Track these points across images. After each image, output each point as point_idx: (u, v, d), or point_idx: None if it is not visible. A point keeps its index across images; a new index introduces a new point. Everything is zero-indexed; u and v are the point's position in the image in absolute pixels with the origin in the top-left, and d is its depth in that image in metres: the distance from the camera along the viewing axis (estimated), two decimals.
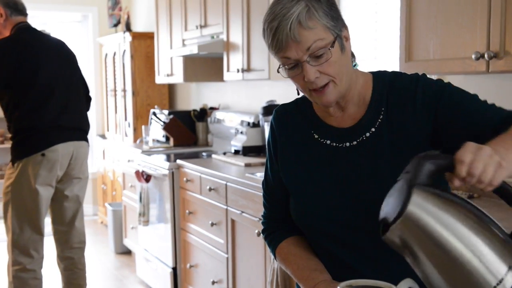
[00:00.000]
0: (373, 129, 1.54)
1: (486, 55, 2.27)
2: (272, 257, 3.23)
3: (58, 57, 3.70)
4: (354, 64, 1.55)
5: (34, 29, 3.73)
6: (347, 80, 1.50)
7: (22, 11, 3.70)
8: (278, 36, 1.42)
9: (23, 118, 3.52)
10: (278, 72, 1.54)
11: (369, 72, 1.63)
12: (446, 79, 3.01)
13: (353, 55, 1.58)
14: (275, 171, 1.69)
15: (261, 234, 1.78)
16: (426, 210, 1.12)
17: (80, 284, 3.82)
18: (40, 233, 3.63)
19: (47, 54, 3.63)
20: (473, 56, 2.31)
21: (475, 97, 1.54)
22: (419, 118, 1.51)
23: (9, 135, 3.76)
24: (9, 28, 3.64)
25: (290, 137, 1.65)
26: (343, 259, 1.58)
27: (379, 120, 1.54)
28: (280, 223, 1.72)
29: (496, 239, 1.11)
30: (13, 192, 3.55)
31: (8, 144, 5.37)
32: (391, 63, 3.29)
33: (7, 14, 3.62)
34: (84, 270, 3.86)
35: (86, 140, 3.77)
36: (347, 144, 1.56)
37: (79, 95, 3.76)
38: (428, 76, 1.57)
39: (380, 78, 1.59)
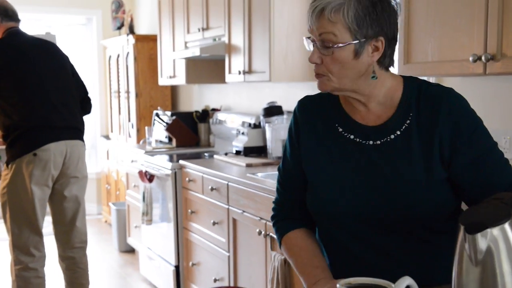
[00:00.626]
0: (398, 132, 1.54)
1: (483, 58, 2.27)
2: (273, 255, 3.24)
3: (48, 60, 3.70)
4: (372, 76, 1.51)
5: (24, 33, 3.75)
6: (348, 83, 1.50)
7: (12, 17, 3.70)
8: (311, 11, 1.47)
9: (12, 118, 3.52)
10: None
11: (400, 75, 1.62)
12: (444, 81, 3.03)
13: (386, 67, 1.56)
14: (295, 157, 1.68)
15: (271, 220, 1.78)
16: None
17: (82, 283, 3.81)
18: (38, 233, 3.62)
19: (36, 57, 3.64)
20: (470, 59, 2.31)
21: (494, 150, 1.54)
22: (442, 134, 1.51)
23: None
24: (1, 34, 3.66)
25: (313, 127, 1.65)
26: (352, 250, 1.60)
27: (406, 125, 1.54)
28: (291, 211, 1.72)
29: None
30: (9, 193, 3.56)
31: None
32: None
33: None
34: (86, 269, 3.84)
35: (81, 139, 3.76)
36: (371, 142, 1.56)
37: (72, 95, 3.75)
38: (453, 92, 1.57)
39: (410, 82, 1.59)
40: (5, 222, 3.63)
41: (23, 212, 3.57)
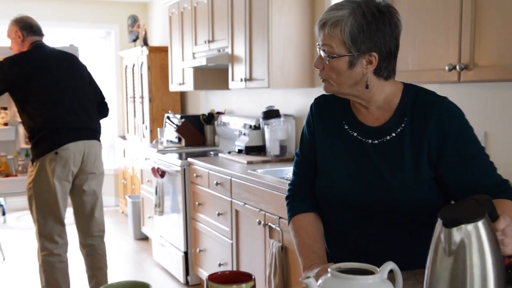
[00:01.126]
0: (393, 134, 1.55)
1: (457, 67, 2.27)
2: (271, 242, 3.24)
3: (68, 69, 3.72)
4: (366, 85, 1.51)
5: (46, 46, 3.76)
6: (346, 88, 1.53)
7: (36, 32, 3.72)
8: (317, 23, 1.51)
9: (36, 121, 3.54)
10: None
11: (402, 82, 1.62)
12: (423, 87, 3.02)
13: (385, 77, 1.54)
14: (310, 145, 1.70)
15: (286, 201, 1.78)
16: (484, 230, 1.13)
17: (100, 267, 3.83)
18: (61, 222, 3.64)
19: (57, 67, 3.66)
20: (446, 68, 2.31)
21: (479, 155, 1.54)
22: (431, 138, 1.51)
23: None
24: (26, 47, 3.69)
25: (325, 122, 1.67)
26: (347, 235, 1.62)
27: (401, 128, 1.54)
28: (304, 194, 1.72)
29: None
30: (35, 187, 3.57)
31: None
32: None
33: (24, 35, 3.67)
34: (104, 255, 3.86)
35: (97, 139, 3.77)
36: (370, 141, 1.58)
37: (89, 100, 3.76)
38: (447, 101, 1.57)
39: (409, 88, 1.59)
40: (32, 213, 3.64)
41: (47, 204, 3.58)
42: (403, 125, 1.54)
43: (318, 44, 1.53)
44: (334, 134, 1.64)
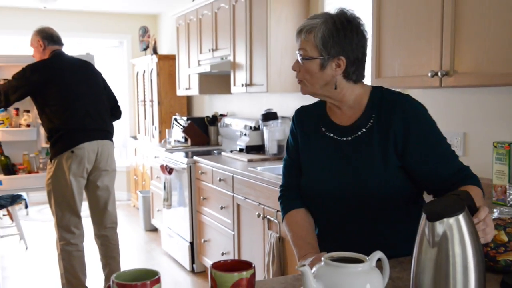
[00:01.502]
0: (364, 130, 1.57)
1: (439, 73, 2.27)
2: (269, 233, 3.24)
3: (83, 75, 3.72)
4: (335, 86, 1.55)
5: (65, 54, 3.76)
6: (319, 89, 1.57)
7: (57, 42, 3.73)
8: (296, 31, 1.59)
9: (54, 122, 3.55)
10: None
11: (370, 85, 1.65)
12: (408, 92, 3.02)
13: (354, 80, 1.58)
14: (294, 150, 1.73)
15: (279, 201, 1.79)
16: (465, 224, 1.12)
17: (114, 256, 3.84)
18: (77, 215, 3.64)
19: (74, 73, 3.66)
20: (429, 74, 2.31)
21: (440, 146, 1.54)
22: (396, 131, 1.53)
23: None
24: (47, 55, 3.69)
25: (305, 129, 1.70)
26: (332, 224, 1.63)
27: (370, 124, 1.56)
28: (294, 193, 1.73)
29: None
30: (53, 183, 3.58)
31: None
32: (364, 79, 3.29)
33: (45, 44, 3.68)
34: (117, 245, 3.87)
35: (110, 139, 3.77)
36: (344, 138, 1.60)
37: (103, 104, 3.76)
38: (407, 97, 1.59)
39: (376, 90, 1.62)
40: (51, 206, 3.65)
41: (64, 199, 3.59)
42: (371, 121, 1.56)
43: (297, 50, 1.58)
44: (313, 137, 1.67)
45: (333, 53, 1.51)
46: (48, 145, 5.42)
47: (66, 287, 3.65)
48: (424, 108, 1.58)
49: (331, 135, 1.62)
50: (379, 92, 1.61)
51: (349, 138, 1.59)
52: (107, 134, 3.75)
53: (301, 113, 1.75)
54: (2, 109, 5.31)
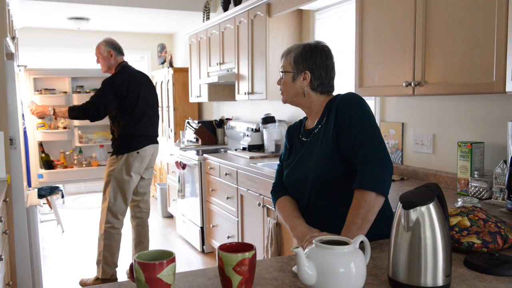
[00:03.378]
0: (315, 131, 1.67)
1: (412, 83, 2.27)
2: (268, 219, 3.23)
3: (148, 87, 3.69)
4: (304, 95, 1.67)
5: (130, 67, 3.70)
6: (292, 97, 1.70)
7: (122, 52, 3.67)
8: (280, 54, 1.75)
9: (127, 128, 3.54)
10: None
11: (333, 94, 1.71)
12: (386, 99, 3.01)
13: (319, 91, 1.67)
14: (284, 160, 1.81)
15: (270, 194, 1.84)
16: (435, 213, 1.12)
17: (146, 236, 3.87)
18: (127, 204, 3.64)
19: (143, 84, 3.63)
20: (403, 84, 2.31)
21: (366, 134, 1.52)
22: (333, 121, 1.59)
23: (110, 136, 3.76)
24: (115, 65, 3.62)
25: (291, 138, 1.80)
26: (304, 206, 1.68)
27: (320, 126, 1.65)
28: (282, 187, 1.79)
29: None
30: (116, 174, 3.55)
31: (91, 144, 5.39)
32: (349, 88, 3.29)
33: (115, 55, 3.60)
34: (148, 227, 3.90)
35: (158, 143, 3.81)
36: (307, 139, 1.70)
37: (158, 113, 3.79)
38: (358, 95, 1.63)
39: (334, 97, 1.67)
40: (105, 192, 3.61)
41: (122, 189, 3.58)
42: (323, 121, 1.64)
43: (280, 68, 1.73)
44: (295, 143, 1.77)
45: (301, 69, 1.65)
46: (81, 145, 5.43)
47: (102, 263, 3.62)
48: (358, 100, 1.58)
49: (303, 139, 1.71)
50: (334, 98, 1.66)
51: (309, 138, 1.68)
52: (157, 138, 3.80)
53: (289, 129, 1.85)
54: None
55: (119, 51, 3.64)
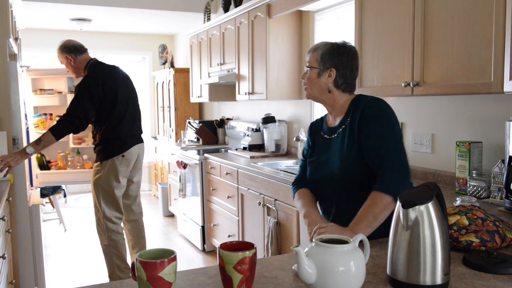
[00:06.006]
0: (340, 130, 1.68)
1: (411, 84, 2.27)
2: (268, 219, 3.23)
3: (124, 81, 3.47)
4: (328, 91, 1.69)
5: (103, 62, 3.43)
6: (316, 93, 1.71)
7: (82, 50, 3.35)
8: (307, 51, 1.75)
9: (109, 131, 3.33)
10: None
11: (356, 94, 1.75)
12: (384, 99, 3.01)
13: (342, 89, 1.70)
14: (307, 156, 1.84)
15: (291, 185, 1.89)
16: (433, 212, 1.12)
17: (143, 236, 3.72)
18: (120, 208, 3.47)
19: (119, 80, 3.41)
20: (402, 84, 2.31)
21: (387, 139, 1.57)
22: (358, 124, 1.62)
23: (91, 140, 3.57)
24: (83, 66, 3.35)
25: (313, 135, 1.83)
26: (326, 203, 1.74)
27: (344, 126, 1.67)
28: (304, 181, 1.83)
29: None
30: (103, 182, 3.36)
31: (84, 145, 5.39)
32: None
33: (73, 57, 3.33)
34: (144, 228, 3.76)
35: (143, 141, 3.62)
36: (330, 136, 1.72)
37: (139, 111, 3.59)
38: (376, 100, 1.65)
39: (358, 97, 1.71)
40: (97, 202, 3.42)
41: (113, 196, 3.40)
42: (348, 120, 1.66)
43: (306, 63, 1.74)
44: (317, 140, 1.80)
45: (327, 66, 1.67)
46: (77, 146, 5.40)
47: (117, 272, 3.45)
48: (384, 107, 1.62)
49: (326, 136, 1.74)
50: (358, 98, 1.70)
51: (332, 136, 1.71)
52: (141, 137, 3.60)
53: (312, 126, 1.88)
54: (37, 115, 5.32)
55: (77, 51, 3.33)
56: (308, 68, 1.70)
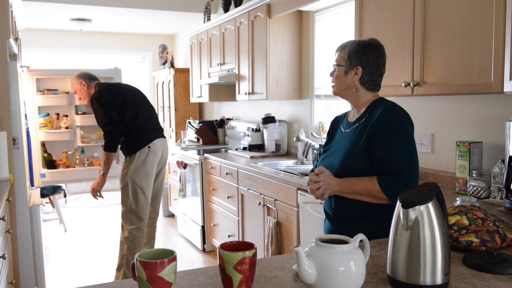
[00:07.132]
0: (354, 126, 1.74)
1: (411, 84, 2.27)
2: (268, 219, 3.23)
3: (129, 88, 3.67)
4: (354, 89, 1.73)
5: (109, 83, 3.68)
6: (342, 90, 1.76)
7: (95, 78, 3.68)
8: (335, 49, 1.79)
9: (128, 126, 3.50)
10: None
11: (380, 96, 1.78)
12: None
13: (367, 87, 1.74)
14: (327, 144, 1.89)
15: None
16: (434, 211, 1.12)
17: (153, 236, 3.77)
18: (149, 202, 3.55)
19: (124, 87, 3.64)
20: (402, 84, 2.31)
21: (397, 144, 1.62)
22: (370, 127, 1.65)
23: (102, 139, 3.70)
24: (92, 90, 3.63)
25: (334, 129, 1.89)
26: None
27: (357, 124, 1.72)
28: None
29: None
30: (131, 176, 3.47)
31: (93, 144, 5.40)
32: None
33: (87, 83, 3.62)
34: (156, 229, 3.81)
35: (165, 137, 3.74)
36: (347, 130, 1.77)
37: (153, 108, 3.73)
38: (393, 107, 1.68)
39: (380, 99, 1.75)
40: (123, 196, 3.52)
41: (141, 188, 3.50)
42: (362, 120, 1.71)
43: (334, 61, 1.78)
44: (336, 132, 1.86)
45: (354, 64, 1.71)
46: (83, 144, 5.42)
47: (125, 267, 3.51)
48: (401, 115, 1.66)
49: (343, 130, 1.80)
50: (380, 100, 1.74)
51: (347, 130, 1.76)
52: (163, 133, 3.73)
53: (335, 119, 1.94)
54: (42, 114, 5.32)
55: (89, 78, 3.65)
56: (336, 66, 1.75)
